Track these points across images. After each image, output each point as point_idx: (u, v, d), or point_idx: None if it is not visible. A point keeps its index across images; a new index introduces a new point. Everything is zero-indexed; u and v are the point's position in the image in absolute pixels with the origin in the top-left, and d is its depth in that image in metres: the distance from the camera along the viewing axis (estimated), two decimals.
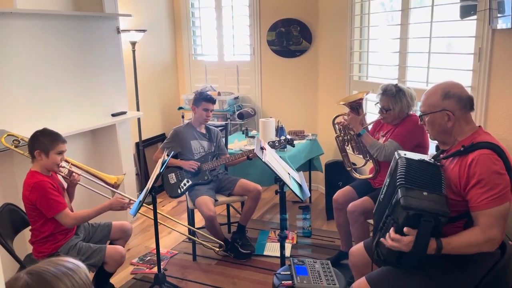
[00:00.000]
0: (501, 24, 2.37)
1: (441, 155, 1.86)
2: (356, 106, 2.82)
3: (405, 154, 1.85)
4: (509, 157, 1.72)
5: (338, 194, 2.97)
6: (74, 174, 2.48)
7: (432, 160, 1.82)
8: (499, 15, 2.37)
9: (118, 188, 2.70)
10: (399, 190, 1.65)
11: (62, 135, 2.40)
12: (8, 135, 2.68)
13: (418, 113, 3.05)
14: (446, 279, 1.76)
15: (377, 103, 2.80)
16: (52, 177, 2.41)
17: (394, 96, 2.70)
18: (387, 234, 1.70)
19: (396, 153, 1.91)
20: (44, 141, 2.31)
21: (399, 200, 1.62)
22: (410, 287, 1.79)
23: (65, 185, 2.57)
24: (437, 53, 3.03)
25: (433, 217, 1.59)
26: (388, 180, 1.89)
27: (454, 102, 1.78)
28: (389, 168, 1.93)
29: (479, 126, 1.85)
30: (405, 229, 1.63)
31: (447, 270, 1.77)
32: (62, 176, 2.49)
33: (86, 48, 3.46)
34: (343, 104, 2.87)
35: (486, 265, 1.77)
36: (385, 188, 1.89)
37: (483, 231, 1.64)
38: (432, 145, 2.81)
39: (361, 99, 2.83)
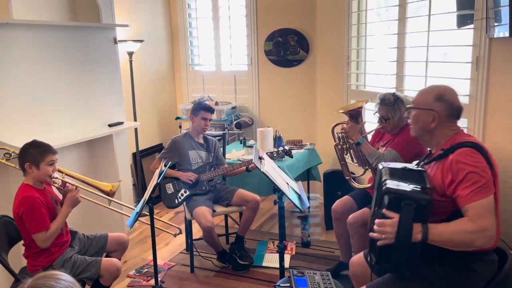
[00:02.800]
0: (498, 32, 2.38)
1: (424, 161, 1.90)
2: (355, 115, 2.81)
3: (388, 164, 1.89)
4: (489, 153, 1.76)
5: (337, 204, 2.95)
6: (67, 184, 2.43)
7: (416, 166, 1.86)
8: (496, 24, 2.38)
9: (113, 195, 2.66)
10: (383, 184, 1.71)
11: (52, 146, 2.35)
12: None
13: None
14: (446, 287, 1.75)
15: (376, 112, 2.79)
16: (44, 191, 2.37)
17: (392, 105, 2.70)
18: (374, 226, 1.71)
19: (379, 164, 1.93)
20: (34, 153, 2.26)
21: (382, 188, 1.69)
22: None
23: (60, 196, 2.53)
24: (434, 62, 3.03)
25: (414, 200, 1.63)
26: (376, 193, 1.90)
27: (444, 106, 1.82)
28: (375, 182, 1.94)
29: (461, 129, 1.88)
30: (384, 210, 1.67)
31: (448, 280, 1.75)
32: (57, 188, 2.45)
33: (83, 58, 3.46)
34: (342, 112, 2.86)
35: (487, 275, 1.76)
36: (374, 202, 1.91)
37: (472, 220, 1.64)
38: None
39: (361, 107, 2.82)
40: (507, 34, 2.25)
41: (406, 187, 1.68)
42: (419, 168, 1.84)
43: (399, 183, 1.71)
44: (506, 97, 2.50)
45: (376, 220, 1.70)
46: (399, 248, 1.67)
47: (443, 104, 1.82)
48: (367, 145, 2.76)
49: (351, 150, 2.91)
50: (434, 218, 1.70)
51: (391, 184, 1.70)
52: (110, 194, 2.63)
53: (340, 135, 2.90)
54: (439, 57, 3.12)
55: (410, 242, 1.64)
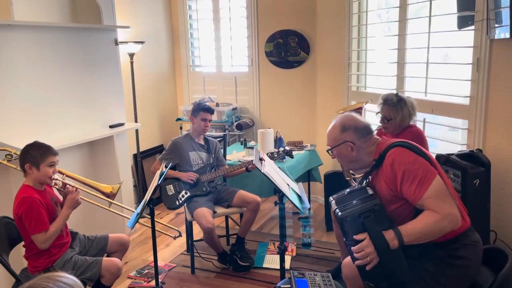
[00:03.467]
0: (499, 34, 2.38)
1: (364, 177, 1.96)
2: None
3: (334, 196, 1.96)
4: (414, 143, 1.84)
5: None
6: (68, 186, 2.42)
7: (359, 185, 1.93)
8: (496, 25, 2.38)
9: (114, 197, 2.66)
10: (336, 215, 1.79)
11: (53, 147, 2.35)
12: (0, 149, 2.65)
13: (417, 123, 3.07)
14: (442, 280, 1.78)
15: (378, 112, 2.79)
16: (45, 192, 2.37)
17: (395, 105, 2.69)
18: (354, 254, 1.75)
19: (330, 198, 1.98)
20: (34, 154, 2.27)
21: (337, 218, 1.76)
22: None
23: (61, 198, 2.52)
24: (435, 63, 3.03)
25: (368, 210, 1.71)
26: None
27: (352, 133, 1.91)
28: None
29: (381, 137, 1.98)
30: (354, 236, 1.72)
31: (440, 273, 1.78)
32: (57, 189, 2.44)
33: (84, 60, 3.46)
34: (342, 113, 2.85)
35: (475, 257, 1.79)
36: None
37: (434, 211, 1.68)
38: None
39: (361, 108, 2.82)
40: (507, 35, 2.26)
41: (354, 205, 1.76)
42: (361, 186, 1.91)
43: (346, 205, 1.78)
44: (507, 98, 2.50)
45: (353, 248, 1.74)
46: (386, 260, 1.71)
47: (350, 132, 1.91)
48: None
49: None
50: (404, 222, 1.74)
51: (341, 210, 1.77)
52: (111, 196, 2.63)
53: None
54: (439, 58, 3.12)
55: (391, 251, 1.69)
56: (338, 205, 1.83)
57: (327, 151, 2.02)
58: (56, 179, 2.39)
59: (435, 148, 3.06)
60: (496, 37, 2.43)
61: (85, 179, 2.64)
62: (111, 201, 2.68)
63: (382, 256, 1.70)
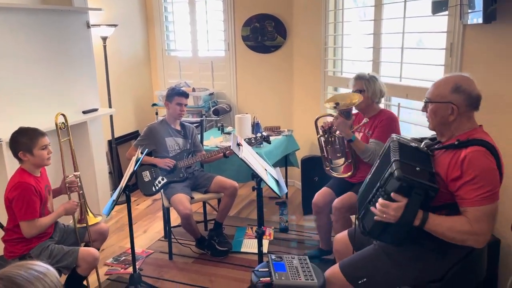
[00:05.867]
0: (472, 19, 2.41)
1: (435, 146, 1.85)
2: (348, 111, 2.72)
3: (398, 138, 1.88)
4: (501, 157, 1.70)
5: (318, 197, 2.95)
6: (73, 186, 2.49)
7: (425, 148, 1.84)
8: (469, 10, 2.41)
9: (81, 222, 2.60)
10: (393, 164, 1.69)
11: (39, 129, 2.34)
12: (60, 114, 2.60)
13: (392, 108, 3.10)
14: (415, 268, 1.82)
15: (353, 91, 2.80)
16: (40, 178, 2.36)
17: (367, 79, 2.77)
18: (377, 204, 1.71)
19: (393, 135, 1.93)
20: (24, 141, 2.26)
21: (394, 172, 1.65)
22: (380, 274, 1.85)
23: (52, 185, 2.51)
24: (410, 49, 3.06)
25: (424, 190, 1.63)
26: (378, 161, 1.93)
27: (463, 97, 1.73)
28: (382, 151, 1.96)
29: (480, 125, 1.81)
30: (392, 194, 1.65)
31: (416, 258, 1.81)
32: (67, 181, 2.48)
33: (55, 43, 3.35)
34: (335, 108, 2.71)
35: (459, 255, 1.79)
36: (373, 169, 1.93)
37: (470, 224, 1.63)
38: None
39: (355, 104, 2.75)
40: (480, 20, 2.29)
41: (416, 173, 1.65)
42: (427, 151, 1.81)
43: (409, 166, 1.67)
44: (479, 83, 2.55)
45: (381, 200, 1.69)
46: (397, 228, 1.69)
47: (461, 96, 1.73)
48: (359, 142, 2.70)
49: (335, 144, 2.83)
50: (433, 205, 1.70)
51: (402, 169, 1.65)
52: (82, 222, 2.59)
53: (326, 128, 2.81)
54: (414, 43, 3.16)
55: (409, 226, 1.66)
56: (402, 157, 1.70)
57: (425, 101, 1.84)
58: (73, 177, 2.49)
59: (408, 132, 3.11)
60: (469, 22, 2.46)
61: (84, 196, 2.62)
62: (74, 222, 2.60)
63: (398, 224, 1.66)
